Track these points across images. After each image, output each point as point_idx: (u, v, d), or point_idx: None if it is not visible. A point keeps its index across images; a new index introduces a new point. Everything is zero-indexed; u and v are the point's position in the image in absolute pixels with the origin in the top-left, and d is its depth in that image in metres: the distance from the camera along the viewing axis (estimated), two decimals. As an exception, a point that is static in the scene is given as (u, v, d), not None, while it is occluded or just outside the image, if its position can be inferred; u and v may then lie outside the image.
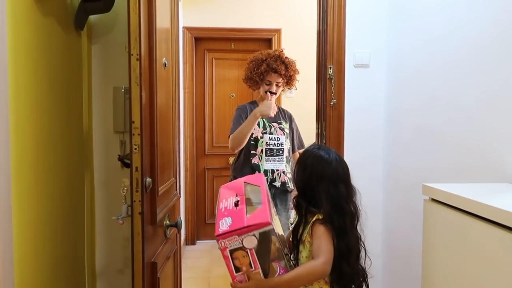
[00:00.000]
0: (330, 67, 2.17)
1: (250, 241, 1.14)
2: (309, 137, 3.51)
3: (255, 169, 2.40)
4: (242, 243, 1.14)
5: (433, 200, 1.16)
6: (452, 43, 1.61)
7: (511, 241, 0.83)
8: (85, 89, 1.97)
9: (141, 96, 1.31)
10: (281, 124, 2.52)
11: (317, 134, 2.28)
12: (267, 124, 2.47)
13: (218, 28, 4.05)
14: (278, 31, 4.08)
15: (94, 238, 2.07)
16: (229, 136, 2.44)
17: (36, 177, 1.46)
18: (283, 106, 2.69)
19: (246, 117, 2.40)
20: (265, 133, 2.44)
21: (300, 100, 4.07)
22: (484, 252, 0.92)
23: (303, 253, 1.36)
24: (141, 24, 1.31)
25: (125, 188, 1.57)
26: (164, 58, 1.65)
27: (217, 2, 4.06)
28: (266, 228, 1.14)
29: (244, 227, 1.14)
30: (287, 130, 2.53)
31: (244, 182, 1.42)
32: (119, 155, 1.98)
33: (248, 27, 4.06)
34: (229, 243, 1.14)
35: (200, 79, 4.22)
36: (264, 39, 4.14)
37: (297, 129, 2.66)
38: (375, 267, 2.27)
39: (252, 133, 2.40)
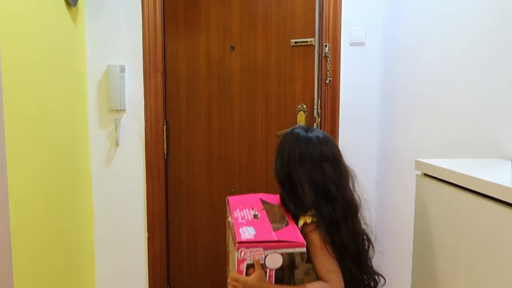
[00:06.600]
0: (326, 45, 2.15)
1: (275, 260, 0.95)
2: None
3: None
4: (265, 261, 0.96)
5: (426, 175, 1.17)
6: (448, 22, 1.60)
7: (503, 215, 0.84)
8: (79, 67, 1.95)
9: None
10: None
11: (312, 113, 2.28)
12: None
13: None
14: (273, 9, 4.02)
15: (91, 217, 2.08)
16: None
17: (32, 162, 1.45)
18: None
19: None
20: None
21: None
22: (477, 226, 0.93)
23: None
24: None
25: None
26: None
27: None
28: (298, 250, 0.97)
29: (274, 241, 0.95)
30: None
31: (260, 199, 1.21)
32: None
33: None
34: (250, 256, 0.94)
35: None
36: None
37: None
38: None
39: None
